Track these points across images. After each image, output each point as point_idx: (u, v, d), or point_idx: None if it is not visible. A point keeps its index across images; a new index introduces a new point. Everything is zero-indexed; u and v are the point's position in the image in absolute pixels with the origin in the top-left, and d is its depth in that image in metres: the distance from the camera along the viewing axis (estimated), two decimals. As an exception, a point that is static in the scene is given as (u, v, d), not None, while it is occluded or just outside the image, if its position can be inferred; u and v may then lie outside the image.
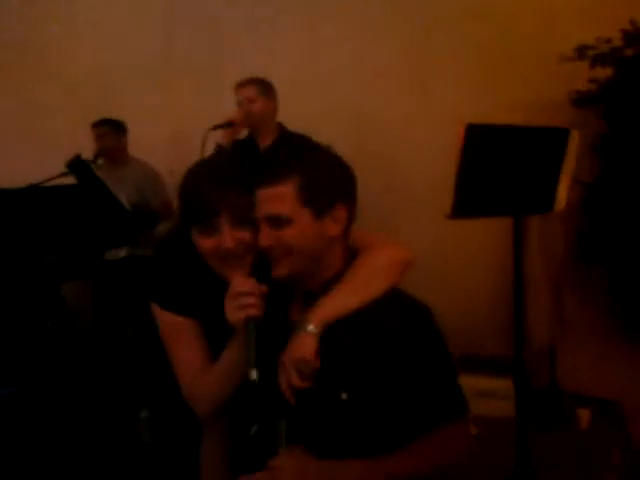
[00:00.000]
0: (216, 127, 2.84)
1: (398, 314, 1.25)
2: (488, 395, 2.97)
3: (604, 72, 2.90)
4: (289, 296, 1.36)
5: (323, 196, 1.26)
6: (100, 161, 3.61)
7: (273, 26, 3.71)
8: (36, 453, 2.73)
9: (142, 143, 3.69)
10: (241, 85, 2.98)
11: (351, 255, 1.34)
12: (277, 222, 1.24)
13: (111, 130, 3.63)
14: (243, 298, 1.24)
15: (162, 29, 3.93)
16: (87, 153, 3.28)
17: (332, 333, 1.24)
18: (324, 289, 1.28)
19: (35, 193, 2.64)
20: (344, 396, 1.22)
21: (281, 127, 3.04)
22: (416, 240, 3.26)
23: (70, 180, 2.92)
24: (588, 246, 3.04)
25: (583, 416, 2.99)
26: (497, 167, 1.90)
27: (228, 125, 2.86)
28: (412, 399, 1.23)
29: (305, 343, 1.22)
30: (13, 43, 4.15)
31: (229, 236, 1.29)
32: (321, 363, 1.22)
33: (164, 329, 1.42)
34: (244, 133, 3.03)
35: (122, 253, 3.45)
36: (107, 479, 2.60)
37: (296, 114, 2.98)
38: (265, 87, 2.99)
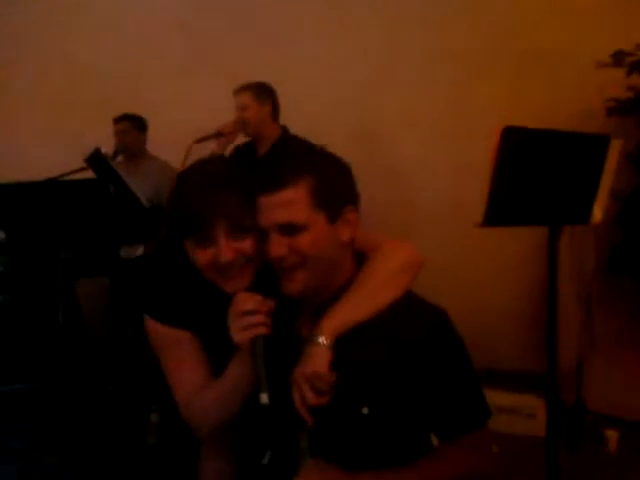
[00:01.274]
0: (202, 139, 2.88)
1: (416, 320, 1.18)
2: (511, 412, 2.86)
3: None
4: (296, 309, 1.26)
5: (335, 198, 1.18)
6: (120, 157, 3.57)
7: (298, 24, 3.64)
8: (46, 448, 2.68)
9: (160, 140, 3.64)
10: (236, 92, 3.00)
11: (359, 260, 1.26)
12: (290, 229, 1.15)
13: (132, 126, 3.61)
14: (249, 317, 1.14)
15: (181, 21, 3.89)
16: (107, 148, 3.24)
17: (347, 344, 1.15)
18: (335, 299, 1.20)
19: (51, 187, 2.59)
20: (365, 411, 1.15)
21: (284, 130, 3.02)
22: (439, 250, 3.23)
23: (89, 175, 2.88)
24: (621, 260, 2.91)
25: (611, 438, 2.86)
26: (533, 174, 1.79)
27: (217, 136, 2.89)
28: (435, 409, 1.18)
29: (317, 357, 1.13)
30: (32, 35, 4.13)
31: (226, 248, 1.19)
32: (338, 377, 1.13)
33: (160, 343, 1.32)
34: (240, 140, 3.04)
35: (138, 251, 3.39)
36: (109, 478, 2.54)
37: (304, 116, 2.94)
38: (259, 92, 3.00)
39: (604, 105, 2.83)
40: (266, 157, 2.92)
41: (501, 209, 1.78)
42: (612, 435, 2.87)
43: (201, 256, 1.21)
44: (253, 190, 1.19)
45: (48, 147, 3.85)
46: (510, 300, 3.30)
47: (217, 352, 1.28)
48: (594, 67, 2.78)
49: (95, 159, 2.63)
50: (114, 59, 3.94)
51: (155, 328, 1.31)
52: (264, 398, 1.09)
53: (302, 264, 1.15)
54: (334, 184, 1.18)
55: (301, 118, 3.06)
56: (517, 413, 2.88)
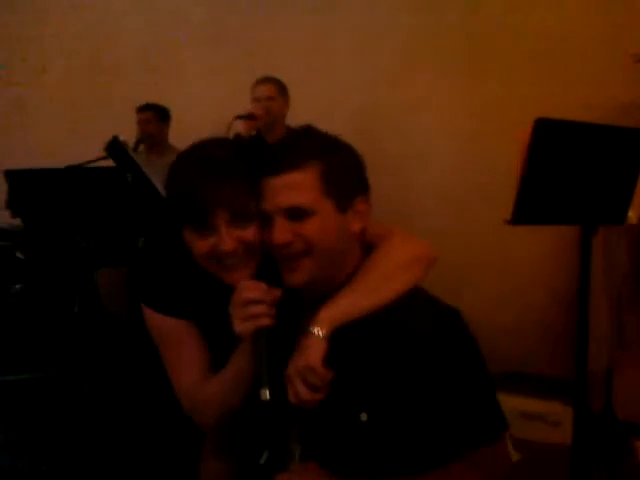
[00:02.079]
0: (239, 117, 2.85)
1: (425, 318, 1.09)
2: (536, 418, 2.74)
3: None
4: (299, 302, 1.18)
5: (345, 186, 1.10)
6: (141, 148, 3.54)
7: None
8: (54, 440, 2.65)
9: (184, 131, 3.60)
10: (261, 82, 3.03)
11: (366, 251, 1.17)
12: (297, 214, 1.07)
13: (155, 116, 3.59)
14: (252, 307, 1.07)
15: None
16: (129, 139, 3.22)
17: (346, 340, 1.07)
18: (337, 291, 1.11)
19: (69, 174, 2.56)
20: (364, 417, 1.06)
21: (288, 128, 3.03)
22: (466, 247, 3.14)
23: (109, 163, 2.85)
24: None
25: (639, 448, 2.73)
26: (567, 169, 1.69)
27: (250, 117, 2.87)
28: (443, 418, 1.07)
29: (310, 349, 1.05)
30: (60, 31, 4.14)
31: (227, 236, 1.11)
32: (335, 376, 1.05)
33: (159, 333, 1.25)
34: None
35: (157, 242, 3.35)
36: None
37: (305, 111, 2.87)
38: (282, 87, 3.06)
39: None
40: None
41: (532, 206, 1.68)
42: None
43: (200, 245, 1.14)
44: (257, 174, 1.11)
45: (74, 143, 3.85)
46: (537, 301, 3.19)
47: (218, 342, 1.22)
48: (633, 60, 2.66)
49: (113, 147, 2.59)
50: (138, 48, 3.92)
51: (153, 317, 1.24)
52: (265, 394, 1.02)
53: (307, 252, 1.08)
54: (345, 172, 1.11)
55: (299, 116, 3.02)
56: (543, 420, 2.76)
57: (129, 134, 3.24)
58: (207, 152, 1.17)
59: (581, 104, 2.68)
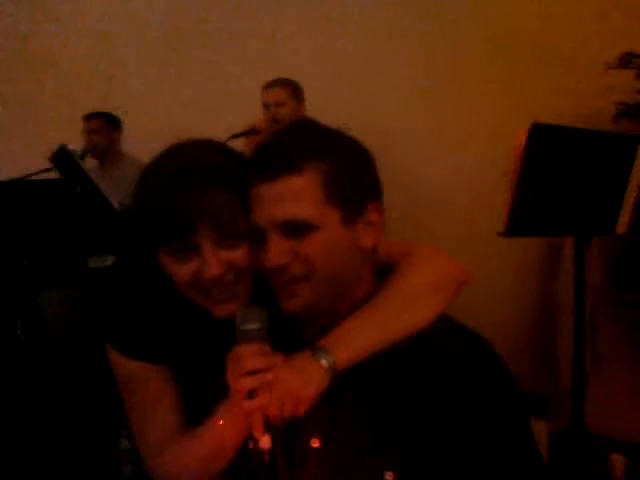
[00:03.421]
0: (236, 135, 2.51)
1: (456, 353, 0.90)
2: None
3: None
4: (297, 335, 0.99)
5: (353, 192, 0.90)
6: (88, 158, 3.30)
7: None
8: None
9: (138, 139, 3.38)
10: (270, 86, 2.73)
11: (381, 273, 0.98)
12: (294, 229, 0.88)
13: (104, 125, 3.37)
14: (255, 377, 0.87)
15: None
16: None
17: (366, 381, 0.89)
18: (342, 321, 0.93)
19: (10, 188, 2.32)
20: (389, 477, 0.87)
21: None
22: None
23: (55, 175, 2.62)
24: (626, 275, 2.75)
25: (617, 463, 2.67)
26: (561, 176, 1.61)
27: (251, 133, 2.59)
28: (484, 473, 0.88)
29: (312, 377, 0.86)
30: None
31: (214, 259, 0.91)
32: (354, 428, 0.88)
33: (125, 380, 1.04)
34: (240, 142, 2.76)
35: (108, 261, 3.11)
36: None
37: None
38: (296, 90, 2.77)
39: (612, 108, 2.68)
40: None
41: (526, 216, 1.59)
42: (618, 459, 2.69)
43: (179, 271, 0.93)
44: (247, 182, 0.91)
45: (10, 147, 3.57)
46: (505, 316, 3.11)
47: (197, 390, 1.02)
48: (603, 70, 2.63)
49: (61, 157, 2.36)
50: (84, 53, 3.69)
51: (119, 362, 1.03)
52: (265, 441, 0.87)
53: (308, 275, 0.89)
54: (353, 174, 0.91)
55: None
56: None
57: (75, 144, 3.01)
58: (188, 156, 0.95)
59: (553, 113, 2.65)
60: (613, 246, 2.79)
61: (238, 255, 0.93)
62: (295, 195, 0.87)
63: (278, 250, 0.88)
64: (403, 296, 0.93)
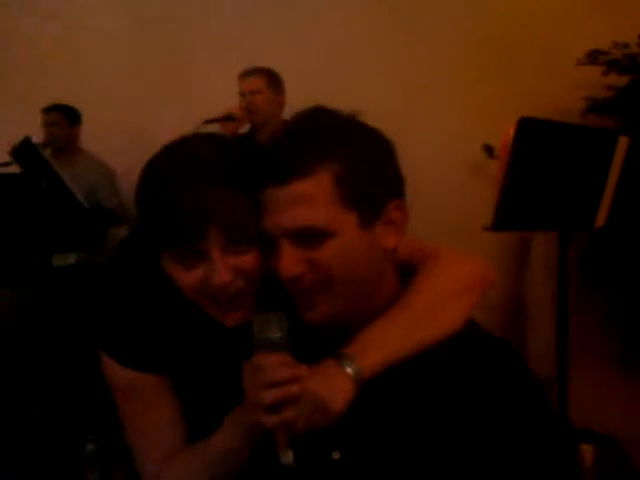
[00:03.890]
0: (211, 121, 2.45)
1: (487, 364, 0.85)
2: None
3: (622, 79, 2.68)
4: (315, 341, 0.92)
5: (372, 191, 0.84)
6: (48, 152, 3.17)
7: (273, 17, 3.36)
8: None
9: (97, 136, 3.27)
10: (245, 74, 2.66)
11: (403, 273, 0.92)
12: (308, 237, 0.82)
13: (63, 118, 3.25)
14: (280, 389, 0.80)
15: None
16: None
17: (386, 389, 0.84)
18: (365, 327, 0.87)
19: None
20: None
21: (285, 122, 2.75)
22: None
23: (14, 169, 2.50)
24: (591, 268, 2.80)
25: (587, 453, 2.72)
26: (547, 171, 1.61)
27: (227, 119, 2.52)
28: None
29: (340, 388, 0.80)
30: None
31: (223, 267, 0.85)
32: (375, 438, 0.83)
33: (122, 391, 0.97)
34: (246, 128, 2.69)
35: (71, 259, 2.99)
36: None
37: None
38: (274, 79, 2.70)
39: (582, 103, 2.72)
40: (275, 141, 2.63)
41: (512, 210, 1.59)
42: (587, 449, 2.74)
43: (185, 278, 0.87)
44: (257, 183, 0.84)
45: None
46: (477, 312, 3.13)
47: (200, 402, 0.96)
48: (573, 65, 2.67)
49: (24, 150, 2.24)
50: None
51: (115, 372, 0.95)
52: (288, 457, 0.80)
53: (326, 285, 0.83)
54: (371, 171, 0.84)
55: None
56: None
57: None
58: (190, 152, 0.88)
59: (527, 108, 2.67)
60: (582, 242, 2.83)
61: (247, 261, 0.87)
62: (307, 200, 0.81)
63: (291, 260, 0.82)
64: (431, 299, 0.88)
